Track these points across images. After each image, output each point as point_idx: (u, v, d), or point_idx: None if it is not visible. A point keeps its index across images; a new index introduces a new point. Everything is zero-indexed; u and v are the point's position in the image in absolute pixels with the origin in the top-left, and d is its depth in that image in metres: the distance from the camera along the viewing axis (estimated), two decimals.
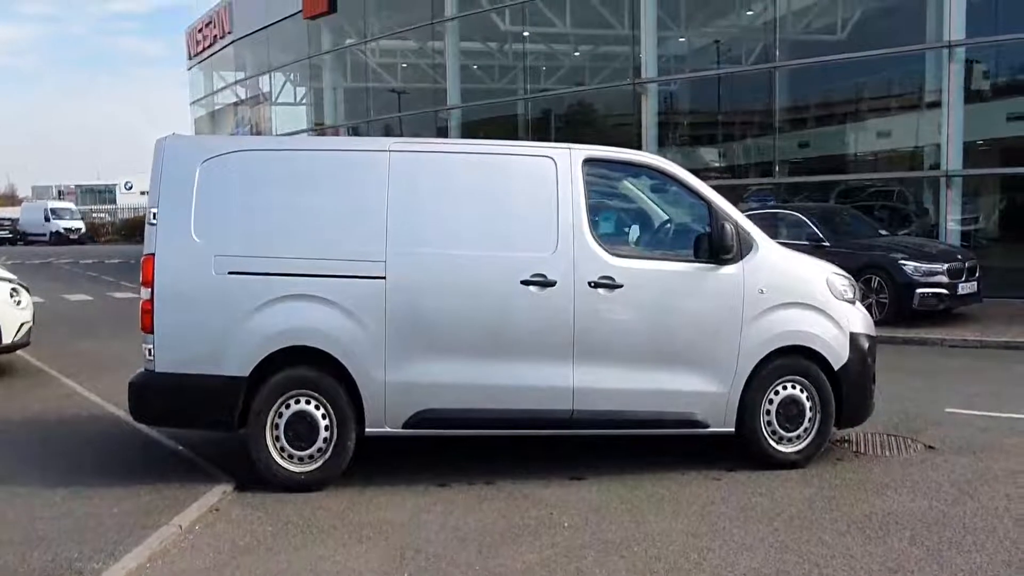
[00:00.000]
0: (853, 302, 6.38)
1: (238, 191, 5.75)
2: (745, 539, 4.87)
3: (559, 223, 5.85)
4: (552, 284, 5.78)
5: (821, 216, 13.78)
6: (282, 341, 5.59)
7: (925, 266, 12.43)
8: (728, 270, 6.02)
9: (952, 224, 15.69)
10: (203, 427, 6.03)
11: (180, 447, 6.48)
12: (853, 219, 14.72)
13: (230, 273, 5.60)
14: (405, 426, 5.74)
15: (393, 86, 28.18)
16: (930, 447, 6.66)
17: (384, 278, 5.66)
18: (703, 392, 5.98)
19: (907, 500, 5.49)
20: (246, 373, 5.56)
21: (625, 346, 5.89)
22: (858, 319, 6.34)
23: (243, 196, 5.74)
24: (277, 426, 5.64)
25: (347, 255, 5.66)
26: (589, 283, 5.83)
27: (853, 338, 6.22)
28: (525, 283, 5.76)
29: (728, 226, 5.93)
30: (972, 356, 10.86)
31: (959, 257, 12.93)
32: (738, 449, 6.21)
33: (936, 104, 16.05)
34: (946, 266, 12.52)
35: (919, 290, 12.26)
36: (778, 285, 6.10)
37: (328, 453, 5.67)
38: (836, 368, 6.15)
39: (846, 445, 6.70)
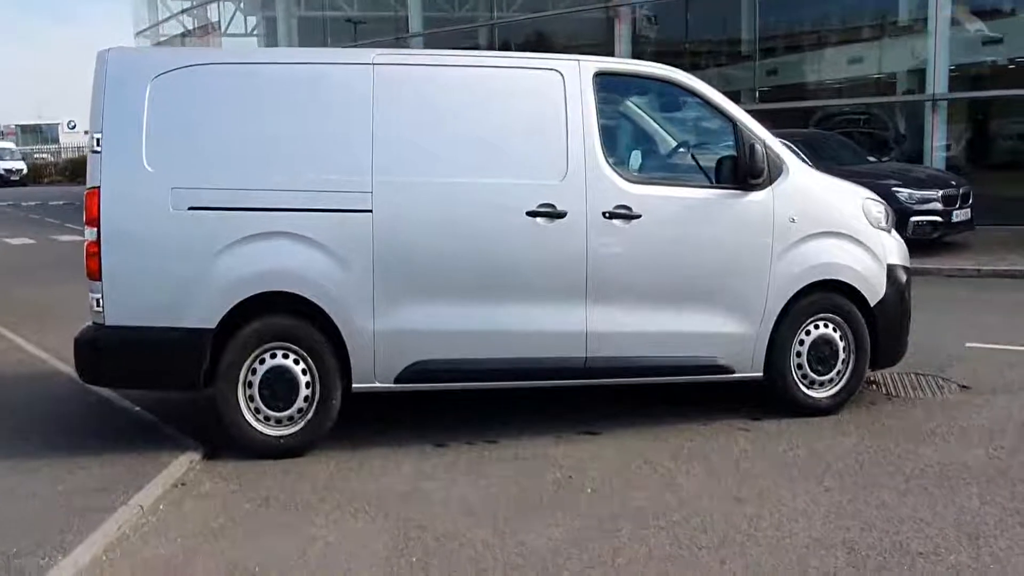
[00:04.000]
0: (889, 230, 5.76)
1: (198, 112, 4.89)
2: (795, 502, 4.29)
3: (568, 146, 5.10)
4: (562, 215, 5.05)
5: (807, 142, 13.07)
6: (253, 287, 4.81)
7: (919, 193, 11.91)
8: (756, 196, 5.34)
9: (938, 150, 15.20)
10: (164, 388, 5.27)
11: (138, 408, 5.70)
12: (840, 145, 14.11)
13: (190, 209, 4.77)
14: (398, 380, 5.03)
15: (350, 15, 26.75)
16: (964, 387, 6.16)
17: (370, 211, 4.88)
18: (729, 334, 5.35)
19: (960, 450, 4.95)
20: (212, 325, 4.78)
21: (644, 284, 5.21)
22: (895, 249, 5.73)
23: (204, 117, 4.88)
24: (251, 384, 4.89)
25: (327, 185, 4.86)
26: (603, 213, 5.11)
27: (890, 271, 5.62)
28: (531, 214, 5.03)
29: (758, 147, 5.23)
30: (973, 286, 10.42)
31: (953, 183, 12.45)
32: (762, 395, 5.63)
33: (910, 28, 15.49)
34: (940, 192, 12.03)
35: (913, 218, 11.72)
36: (810, 213, 5.44)
37: (310, 413, 4.95)
38: (872, 304, 5.55)
39: (874, 387, 6.15)
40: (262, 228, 4.80)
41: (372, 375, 5.00)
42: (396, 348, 4.97)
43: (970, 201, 12.36)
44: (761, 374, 5.46)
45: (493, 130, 5.10)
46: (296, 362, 4.92)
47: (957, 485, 4.45)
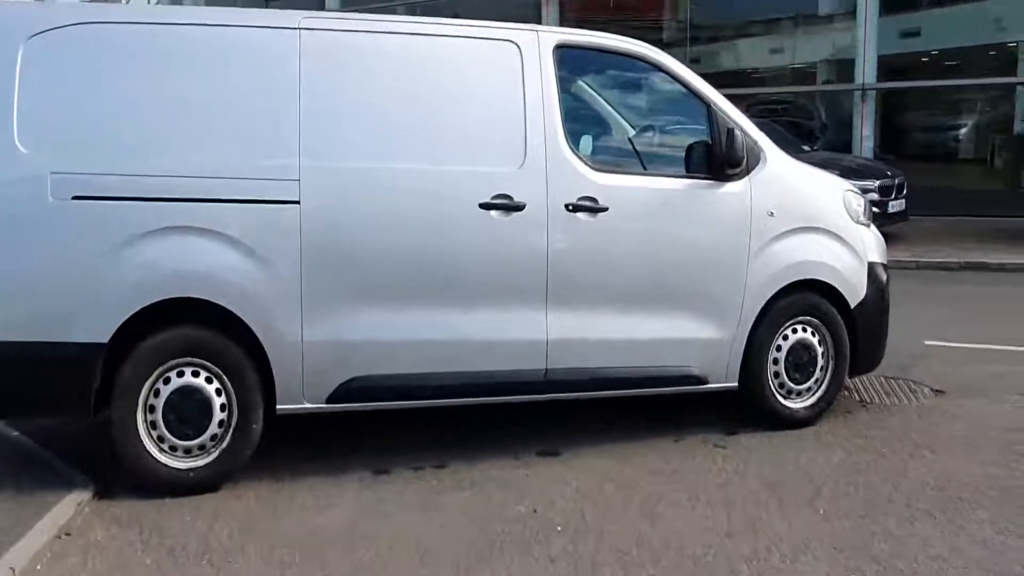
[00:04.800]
0: (868, 224, 5.31)
1: (85, 80, 4.04)
2: (793, 535, 3.76)
3: (527, 128, 4.46)
4: (519, 208, 4.41)
5: None
6: (154, 293, 4.01)
7: (858, 183, 11.65)
8: (733, 188, 4.81)
9: (867, 139, 15.15)
10: (46, 414, 4.40)
11: (15, 432, 4.82)
12: (774, 134, 13.81)
13: (75, 198, 3.93)
14: (331, 400, 4.31)
15: None
16: (938, 391, 5.79)
17: (297, 202, 4.14)
18: (703, 340, 4.81)
19: (953, 464, 4.53)
20: (105, 339, 3.97)
21: (611, 286, 4.62)
22: (874, 246, 5.29)
23: (92, 88, 4.04)
24: (153, 408, 4.09)
25: (245, 171, 4.09)
26: (566, 206, 4.49)
27: (871, 269, 5.18)
28: (485, 207, 4.37)
29: (737, 133, 4.69)
30: (913, 279, 10.19)
31: (888, 173, 12.33)
32: (731, 406, 5.12)
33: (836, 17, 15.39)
34: (877, 183, 11.86)
35: None
36: (790, 206, 4.94)
37: (226, 440, 4.19)
38: (853, 306, 5.10)
39: (846, 393, 5.71)
40: (164, 222, 4.00)
41: (300, 394, 4.27)
42: (329, 362, 4.25)
43: (904, 191, 12.26)
44: (736, 384, 4.94)
45: (440, 109, 4.42)
46: (208, 381, 4.15)
47: (962, 508, 4.01)
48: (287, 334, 4.18)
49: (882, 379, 5.96)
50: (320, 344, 4.22)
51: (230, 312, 4.10)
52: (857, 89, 15.10)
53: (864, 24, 14.89)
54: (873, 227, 5.35)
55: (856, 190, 5.32)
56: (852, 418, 5.30)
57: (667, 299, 4.73)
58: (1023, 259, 10.89)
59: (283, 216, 4.12)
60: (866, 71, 14.93)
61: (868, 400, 5.64)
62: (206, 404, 4.14)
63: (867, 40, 14.90)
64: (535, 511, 4.02)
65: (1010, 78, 15.85)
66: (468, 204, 4.36)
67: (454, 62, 4.49)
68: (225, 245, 4.06)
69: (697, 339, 4.79)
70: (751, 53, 18.76)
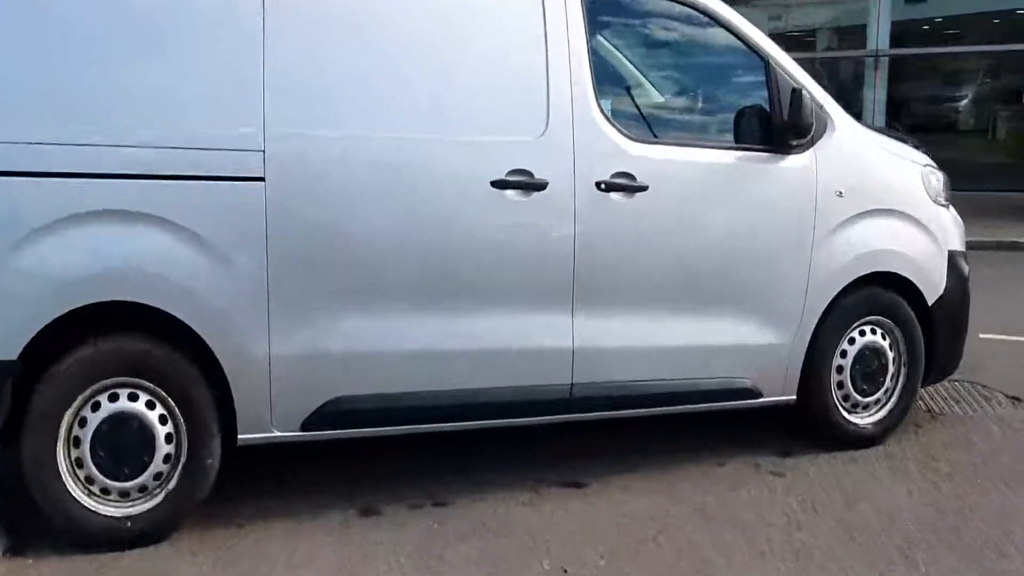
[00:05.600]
0: (947, 206, 4.48)
1: None
2: None
3: (550, 89, 3.57)
4: (541, 186, 3.54)
5: None
6: (76, 296, 3.11)
7: None
8: (796, 161, 3.96)
9: (879, 105, 14.36)
10: None
11: None
12: None
13: None
14: (307, 426, 3.45)
15: None
16: (1014, 398, 5.02)
17: (262, 179, 3.24)
18: (758, 346, 3.99)
19: None
20: (12, 355, 3.07)
21: (651, 282, 3.78)
22: (955, 231, 4.48)
23: None
24: (78, 441, 3.21)
25: (194, 140, 3.18)
26: (598, 184, 3.63)
27: (952, 259, 4.37)
28: (498, 185, 3.50)
29: (805, 95, 3.83)
30: None
31: (908, 142, 11.50)
32: (784, 420, 4.32)
33: None
34: None
35: None
36: (863, 184, 4.11)
37: (173, 480, 3.32)
38: (931, 303, 4.29)
39: None
40: (91, 204, 3.09)
41: (268, 420, 3.40)
42: (303, 380, 3.39)
43: None
44: (794, 397, 4.13)
45: (442, 64, 3.52)
46: (150, 406, 3.27)
47: None
48: (250, 346, 3.31)
49: (947, 382, 5.16)
50: (292, 358, 3.35)
51: (176, 319, 3.22)
52: (870, 55, 14.26)
53: None
54: (952, 209, 4.52)
55: (934, 164, 4.48)
56: (924, 434, 4.51)
57: (717, 297, 3.90)
58: None
59: (244, 197, 3.23)
60: (879, 36, 14.08)
61: (937, 410, 4.86)
62: (147, 435, 3.27)
63: (880, 4, 14.04)
64: (565, 572, 3.19)
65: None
66: (477, 182, 3.48)
67: (459, 4, 3.59)
68: (167, 234, 3.16)
69: (752, 345, 3.97)
70: (753, 19, 17.87)
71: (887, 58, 14.33)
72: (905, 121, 16.14)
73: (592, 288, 3.67)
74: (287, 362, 3.35)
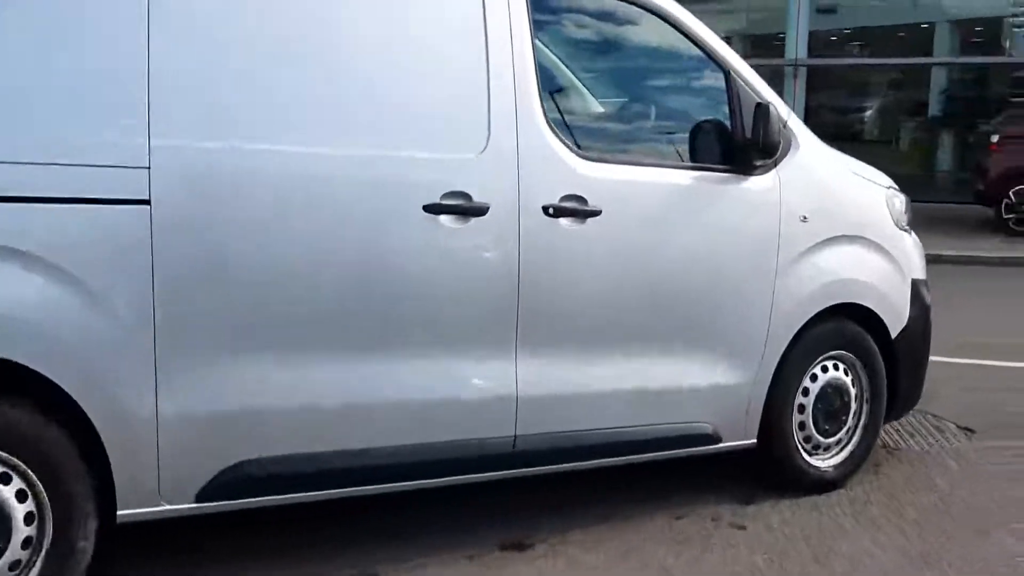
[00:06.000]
0: (910, 231, 4.20)
1: None
2: None
3: (491, 98, 3.11)
4: (480, 211, 3.07)
5: None
6: None
7: None
8: (759, 183, 3.61)
9: (799, 116, 14.43)
10: None
11: None
12: None
13: None
14: (203, 497, 2.89)
15: None
16: (967, 429, 4.81)
17: (147, 202, 2.67)
18: (718, 387, 3.61)
19: None
20: None
21: (602, 320, 3.36)
22: (917, 258, 4.20)
23: None
24: None
25: (60, 155, 2.58)
26: (545, 209, 3.18)
27: (915, 288, 4.10)
28: (431, 209, 3.01)
29: (772, 110, 3.46)
30: None
31: None
32: (740, 461, 3.95)
33: None
34: None
35: None
36: (828, 208, 3.79)
37: (36, 569, 2.72)
38: (894, 335, 3.99)
39: None
40: None
41: (155, 491, 2.83)
42: (198, 443, 2.83)
43: None
44: (754, 441, 3.77)
45: (365, 68, 3.02)
46: (5, 480, 2.66)
47: None
48: (132, 404, 2.73)
49: None
50: (184, 417, 2.79)
51: (36, 374, 2.62)
52: (789, 65, 14.31)
53: None
54: (913, 234, 4.25)
55: (896, 187, 4.19)
56: (884, 474, 4.22)
57: (676, 334, 3.50)
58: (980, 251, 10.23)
59: (123, 223, 2.66)
60: (799, 45, 14.15)
61: (892, 445, 4.60)
62: (1, 516, 2.65)
63: (800, 14, 14.11)
64: None
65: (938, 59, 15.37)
66: (407, 206, 2.99)
67: (386, 1, 3.09)
68: (25, 269, 2.56)
69: (712, 385, 3.59)
70: None
71: (805, 67, 14.40)
72: (815, 131, 16.36)
73: (538, 327, 3.22)
74: (178, 422, 2.78)
